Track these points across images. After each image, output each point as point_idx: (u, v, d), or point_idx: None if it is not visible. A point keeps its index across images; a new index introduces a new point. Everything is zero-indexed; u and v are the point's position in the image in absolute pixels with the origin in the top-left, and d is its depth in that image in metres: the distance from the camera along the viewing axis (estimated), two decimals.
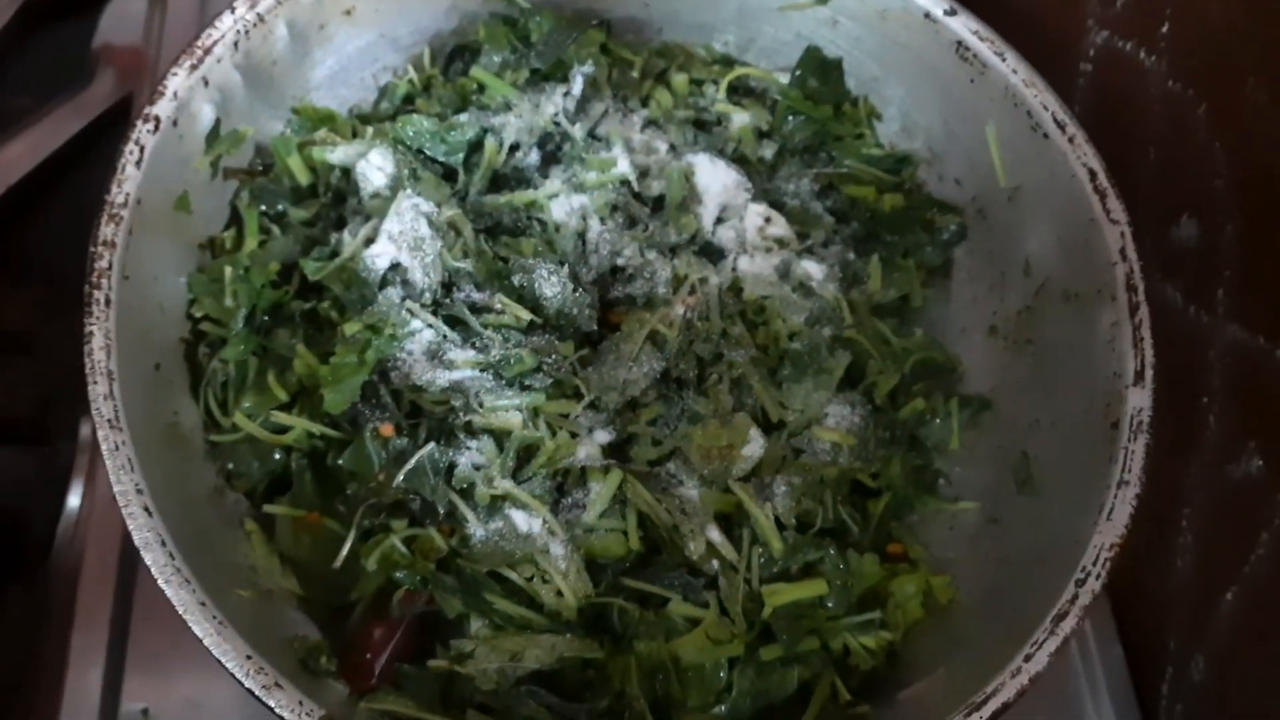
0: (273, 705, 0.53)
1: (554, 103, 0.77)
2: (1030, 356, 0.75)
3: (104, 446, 0.57)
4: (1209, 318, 0.71)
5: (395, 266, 0.69)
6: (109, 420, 0.58)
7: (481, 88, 0.78)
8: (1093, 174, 0.71)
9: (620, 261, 0.73)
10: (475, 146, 0.75)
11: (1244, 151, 0.68)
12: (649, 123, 0.80)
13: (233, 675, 0.54)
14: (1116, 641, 0.79)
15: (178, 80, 0.67)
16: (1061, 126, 0.72)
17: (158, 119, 0.66)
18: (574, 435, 0.66)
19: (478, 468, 0.65)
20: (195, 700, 0.70)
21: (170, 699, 0.70)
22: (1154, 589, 0.75)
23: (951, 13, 0.75)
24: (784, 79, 0.84)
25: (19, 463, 0.87)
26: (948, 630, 0.68)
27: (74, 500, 0.80)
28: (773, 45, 0.85)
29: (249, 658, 0.54)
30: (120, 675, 0.71)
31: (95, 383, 0.58)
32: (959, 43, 0.76)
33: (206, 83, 0.69)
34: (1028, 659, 0.57)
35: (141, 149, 0.65)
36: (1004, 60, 0.75)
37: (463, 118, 0.76)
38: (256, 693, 0.53)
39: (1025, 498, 0.70)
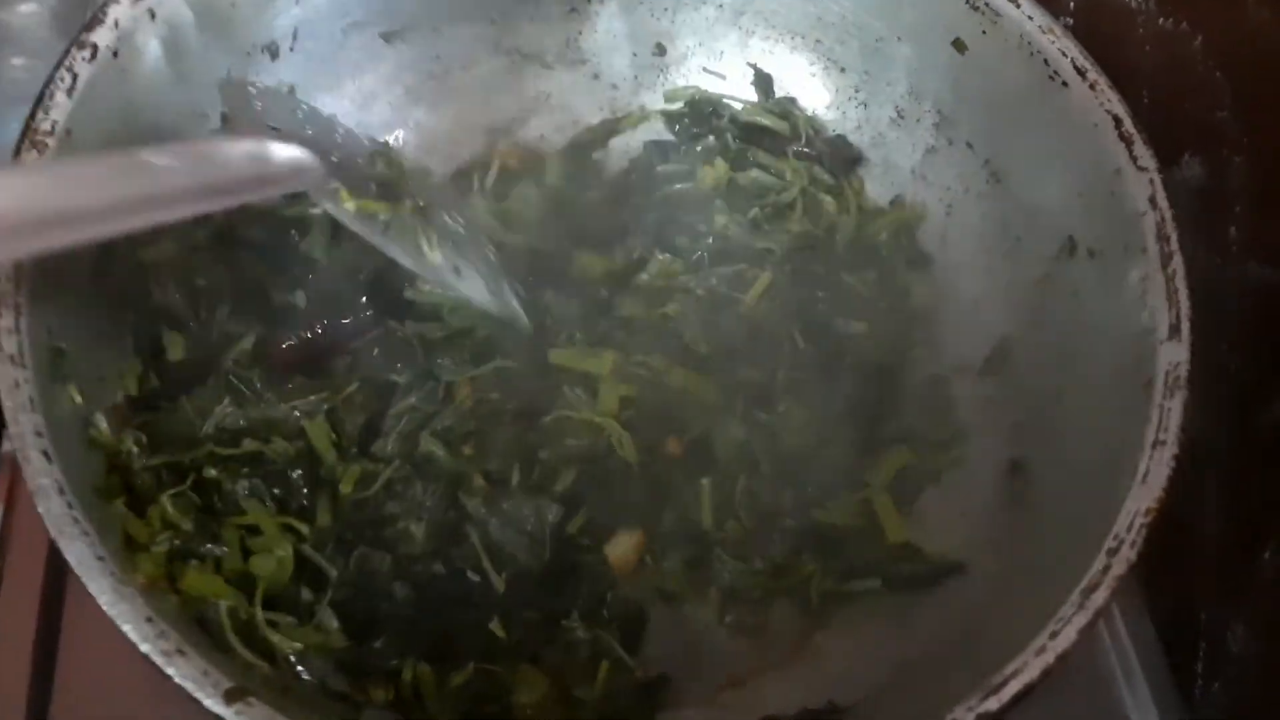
0: (172, 674, 0.46)
1: None
2: (1051, 325, 0.68)
3: (2, 384, 0.51)
4: (1222, 259, 0.65)
5: None
6: (11, 356, 0.51)
7: None
8: (1117, 120, 0.64)
9: None
10: None
11: (1250, 75, 0.64)
12: None
13: (129, 639, 0.46)
14: (1146, 616, 0.71)
15: (120, 9, 0.62)
16: (1082, 73, 0.66)
17: (95, 46, 0.61)
18: None
19: None
20: None
21: None
22: (1180, 556, 0.69)
23: None
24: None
25: None
26: (964, 619, 0.60)
27: None
28: (771, 6, 0.80)
29: (149, 620, 0.47)
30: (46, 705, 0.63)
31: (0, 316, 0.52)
32: None
33: (153, 15, 0.64)
34: (1054, 636, 0.49)
35: (75, 76, 0.59)
36: (1018, 6, 0.69)
37: None
38: (156, 660, 0.46)
39: (1049, 474, 0.63)
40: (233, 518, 0.58)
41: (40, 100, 0.58)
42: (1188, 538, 0.70)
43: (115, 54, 0.62)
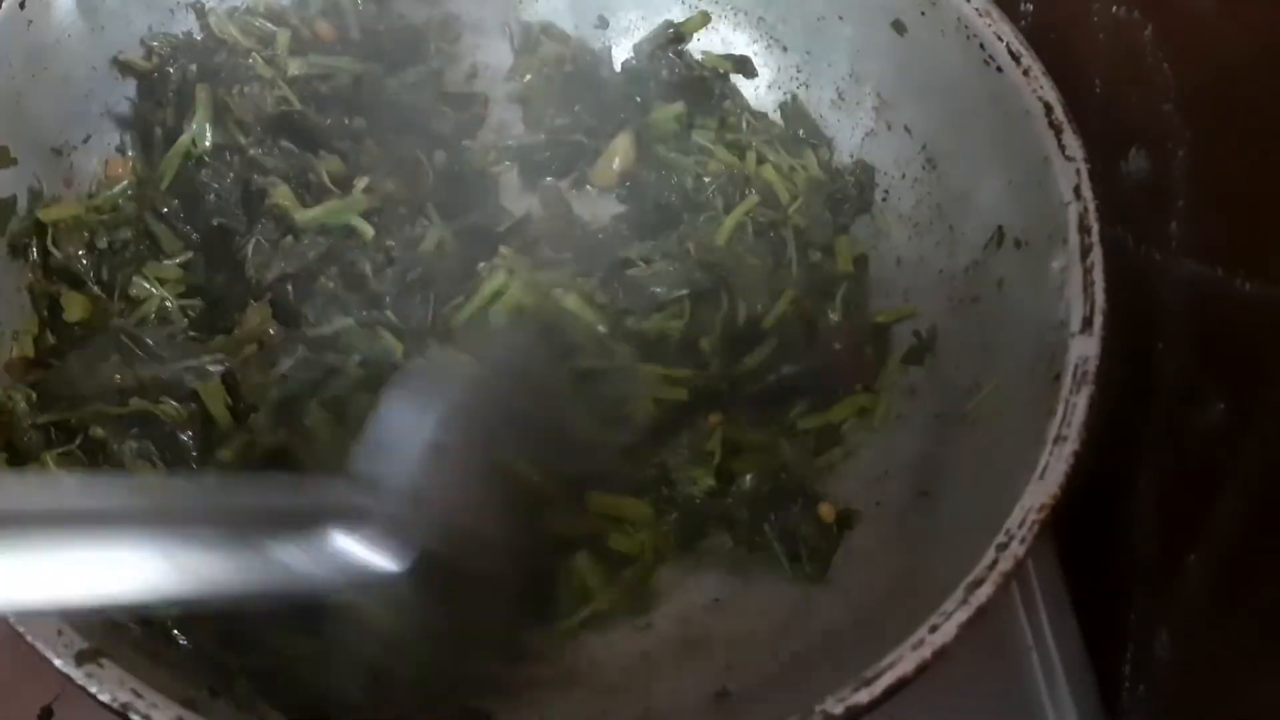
0: (24, 632, 0.45)
1: None
2: (976, 315, 0.67)
3: None
4: (1161, 256, 0.64)
5: None
6: None
7: None
8: (1048, 108, 0.63)
9: None
10: None
11: (1193, 67, 0.62)
12: None
13: None
14: (1071, 615, 0.70)
15: None
16: (1016, 58, 0.65)
17: None
18: None
19: None
20: None
21: None
22: (1110, 557, 0.68)
23: None
24: None
25: None
26: (860, 610, 0.59)
27: None
28: None
29: None
30: None
31: None
32: None
33: None
34: (933, 629, 0.48)
35: None
36: None
37: None
38: (9, 616, 0.45)
39: (959, 469, 0.62)
40: None
41: None
42: (1117, 536, 0.69)
43: (21, 4, 0.61)
